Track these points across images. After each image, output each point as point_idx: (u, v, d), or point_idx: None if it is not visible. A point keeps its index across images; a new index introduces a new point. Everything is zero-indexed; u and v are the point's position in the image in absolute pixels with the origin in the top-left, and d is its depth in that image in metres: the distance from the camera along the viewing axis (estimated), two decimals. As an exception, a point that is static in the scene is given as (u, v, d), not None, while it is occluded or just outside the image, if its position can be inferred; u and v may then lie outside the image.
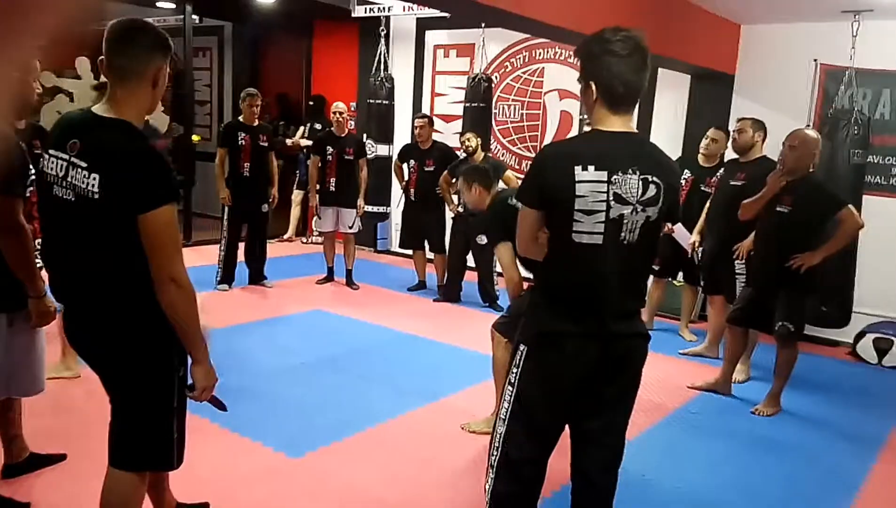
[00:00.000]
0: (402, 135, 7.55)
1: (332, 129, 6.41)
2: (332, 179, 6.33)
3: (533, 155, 7.10)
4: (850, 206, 3.77)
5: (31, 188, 2.44)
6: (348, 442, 3.37)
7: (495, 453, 2.12)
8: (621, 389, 2.09)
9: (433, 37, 7.68)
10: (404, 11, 7.11)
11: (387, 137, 7.23)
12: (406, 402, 3.88)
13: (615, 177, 1.85)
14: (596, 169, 1.84)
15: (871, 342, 5.16)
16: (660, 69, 6.24)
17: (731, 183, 4.61)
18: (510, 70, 7.16)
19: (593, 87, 1.91)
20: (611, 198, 1.85)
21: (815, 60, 5.44)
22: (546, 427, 2.08)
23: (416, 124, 6.41)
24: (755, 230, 4.16)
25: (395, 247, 8.15)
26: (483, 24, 6.49)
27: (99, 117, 1.87)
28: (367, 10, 7.26)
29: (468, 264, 6.27)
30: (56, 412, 3.34)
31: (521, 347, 2.05)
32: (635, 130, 2.00)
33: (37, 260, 2.39)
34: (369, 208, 6.71)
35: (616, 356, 2.00)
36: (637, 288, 2.05)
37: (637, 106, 2.04)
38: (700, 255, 4.99)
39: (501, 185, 5.33)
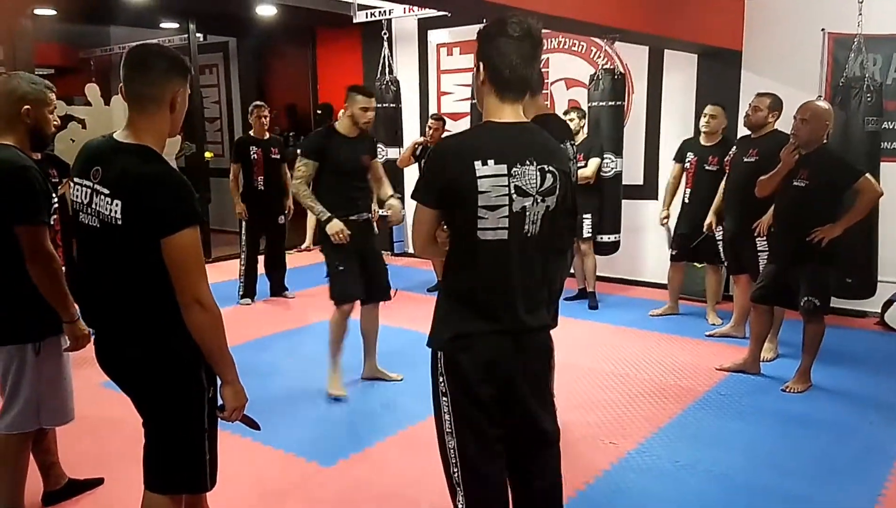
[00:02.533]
0: (411, 137, 7.57)
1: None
2: (346, 186, 6.34)
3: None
4: (868, 175, 3.72)
5: (55, 216, 2.48)
6: (380, 447, 3.39)
7: (455, 469, 1.99)
8: (535, 378, 2.01)
9: (436, 36, 7.69)
10: (405, 13, 7.13)
11: (396, 139, 7.25)
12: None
13: (515, 169, 1.81)
14: (496, 163, 1.80)
15: (899, 311, 5.09)
16: (666, 50, 6.24)
17: (745, 160, 4.57)
18: (515, 63, 7.13)
19: (482, 68, 1.88)
20: (512, 191, 1.82)
21: (823, 30, 5.37)
22: (489, 429, 1.96)
23: (429, 126, 6.42)
24: (773, 206, 4.12)
25: (412, 249, 8.18)
26: (484, 20, 6.47)
27: (119, 144, 1.90)
28: (368, 14, 7.29)
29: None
30: (93, 436, 3.39)
31: (440, 354, 1.95)
32: (526, 120, 1.95)
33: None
34: (383, 212, 6.71)
35: (528, 348, 1.96)
36: (542, 280, 2.00)
37: (526, 96, 1.93)
38: (720, 235, 4.96)
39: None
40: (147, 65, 1.90)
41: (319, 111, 8.60)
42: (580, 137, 5.68)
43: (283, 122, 9.24)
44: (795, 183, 3.86)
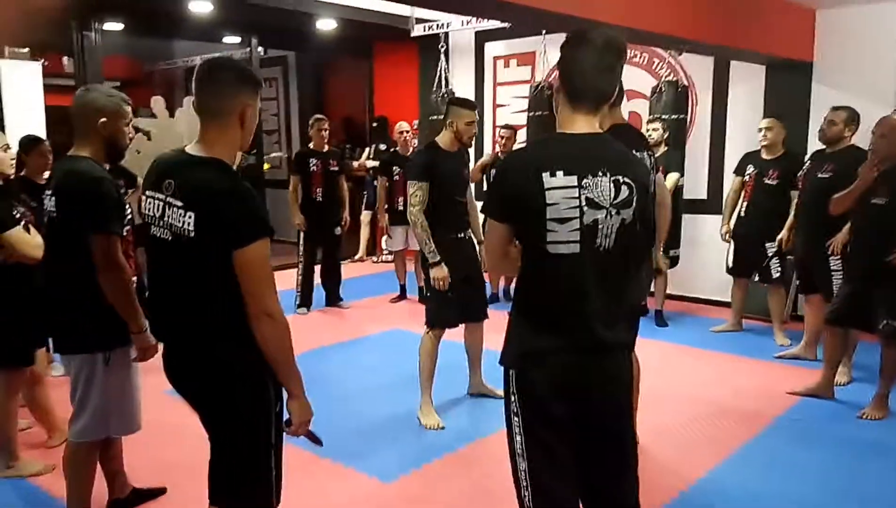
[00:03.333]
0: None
1: (398, 148, 6.44)
2: (401, 199, 6.35)
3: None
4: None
5: (128, 227, 2.51)
6: (438, 464, 3.34)
7: (525, 493, 1.92)
8: (612, 412, 1.92)
9: (492, 48, 7.67)
10: (462, 26, 7.12)
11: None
12: (495, 420, 3.80)
13: (586, 180, 1.74)
14: (565, 174, 1.73)
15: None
16: (732, 62, 6.08)
17: (820, 176, 4.39)
18: (573, 76, 7.05)
19: (558, 78, 1.83)
20: (583, 203, 1.74)
21: (900, 40, 5.16)
22: (562, 451, 1.89)
23: (501, 135, 6.42)
24: (850, 224, 3.94)
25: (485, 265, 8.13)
26: (544, 31, 6.42)
27: (191, 157, 1.91)
28: (426, 28, 7.31)
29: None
30: (156, 444, 3.42)
31: (511, 372, 1.89)
32: (600, 131, 1.87)
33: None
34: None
35: (605, 365, 1.88)
36: (620, 296, 1.91)
37: (601, 108, 1.84)
38: (791, 252, 4.81)
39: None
40: (216, 78, 1.91)
41: (375, 123, 8.66)
42: (661, 150, 5.55)
43: (340, 134, 9.33)
44: (874, 201, 3.68)
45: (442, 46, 7.19)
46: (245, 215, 1.83)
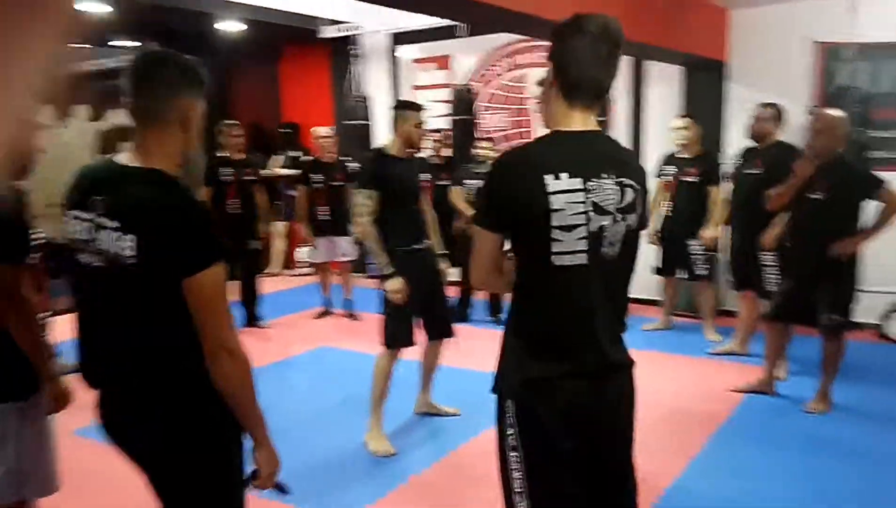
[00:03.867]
0: (385, 155, 7.30)
1: (318, 155, 6.12)
2: (324, 208, 6.04)
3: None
4: (888, 184, 3.59)
5: (37, 255, 2.14)
6: (393, 498, 3.09)
7: None
8: (617, 437, 1.80)
9: (407, 52, 7.46)
10: (377, 28, 6.89)
11: (368, 158, 6.99)
12: (447, 441, 3.61)
13: (590, 183, 1.58)
14: (570, 176, 1.57)
15: (900, 322, 5.03)
16: (647, 63, 6.12)
17: (750, 172, 4.45)
18: (493, 78, 6.96)
19: (551, 69, 1.66)
20: (590, 208, 1.58)
21: (811, 39, 5.32)
22: (570, 489, 1.71)
23: (435, 139, 6.20)
24: (789, 220, 3.98)
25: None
26: (464, 31, 6.28)
27: (125, 168, 1.60)
28: (338, 29, 7.02)
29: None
30: (74, 496, 2.99)
31: (509, 402, 1.70)
32: (598, 129, 1.72)
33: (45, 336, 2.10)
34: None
35: (613, 388, 1.74)
36: (622, 308, 1.78)
37: (601, 106, 1.73)
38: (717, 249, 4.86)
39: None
40: (154, 75, 1.61)
41: (286, 130, 8.27)
42: None
43: (247, 142, 8.84)
44: (812, 196, 3.72)
45: (354, 49, 6.93)
46: (196, 236, 1.56)
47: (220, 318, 1.59)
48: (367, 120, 6.94)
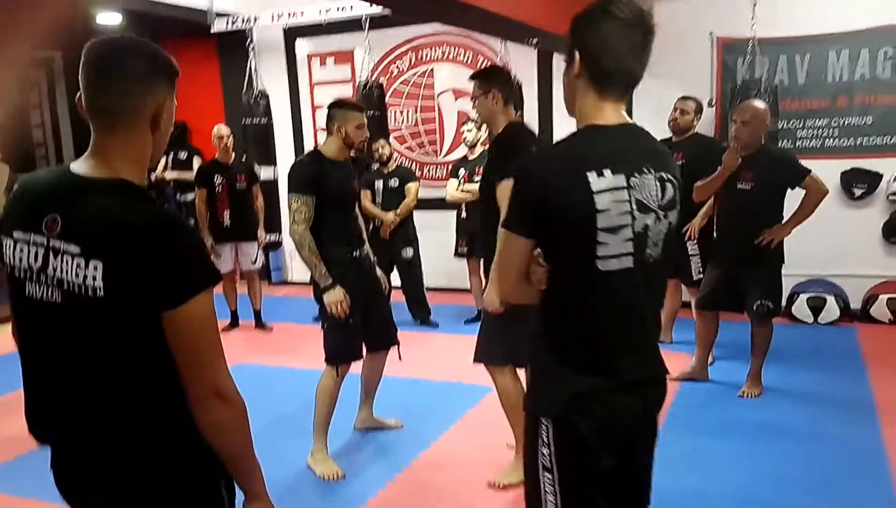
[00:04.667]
0: (285, 154, 6.95)
1: (217, 156, 5.70)
2: (226, 213, 5.64)
3: (434, 159, 6.82)
4: (813, 173, 3.74)
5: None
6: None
7: None
8: (648, 445, 1.71)
9: (305, 45, 7.12)
10: (273, 21, 6.53)
11: (269, 158, 6.63)
12: (397, 457, 3.40)
13: (633, 179, 1.48)
14: (613, 173, 1.46)
15: (804, 302, 5.30)
16: (556, 56, 6.14)
17: (671, 165, 4.51)
18: (397, 74, 6.77)
19: (577, 57, 1.52)
20: (634, 207, 1.48)
21: (712, 34, 5.51)
22: (605, 505, 1.62)
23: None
24: (716, 210, 4.06)
25: (291, 276, 7.55)
26: (367, 27, 6.05)
27: (85, 180, 1.31)
28: (230, 22, 6.59)
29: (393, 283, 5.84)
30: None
31: (546, 420, 1.57)
32: (631, 121, 1.61)
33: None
34: (268, 238, 6.11)
35: (652, 401, 1.66)
36: (659, 313, 1.71)
37: (628, 94, 1.59)
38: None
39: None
40: (119, 65, 1.32)
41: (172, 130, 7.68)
42: (478, 150, 5.46)
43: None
44: (740, 186, 3.80)
45: (250, 44, 6.54)
46: (179, 258, 1.28)
47: (211, 357, 1.33)
48: (268, 118, 6.57)
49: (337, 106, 3.29)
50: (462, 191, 5.49)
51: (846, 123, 5.40)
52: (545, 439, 1.57)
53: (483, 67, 3.07)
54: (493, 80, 2.97)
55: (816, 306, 5.28)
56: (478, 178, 5.32)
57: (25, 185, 1.37)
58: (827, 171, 4.30)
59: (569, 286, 1.53)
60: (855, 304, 5.37)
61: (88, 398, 1.32)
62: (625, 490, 1.67)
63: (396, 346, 3.54)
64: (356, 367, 3.47)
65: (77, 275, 1.26)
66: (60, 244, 1.28)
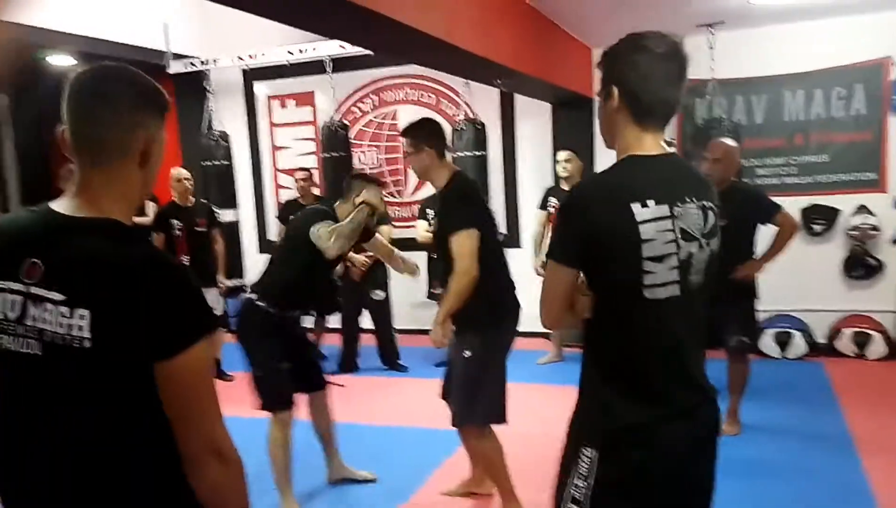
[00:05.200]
0: (244, 196, 6.81)
1: (175, 199, 5.52)
2: (184, 258, 5.43)
3: (399, 200, 6.76)
4: (784, 209, 3.78)
5: None
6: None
7: None
8: (707, 467, 1.66)
9: (264, 88, 7.04)
10: (232, 63, 6.43)
11: (230, 200, 6.47)
12: (375, 510, 3.24)
13: (677, 209, 1.51)
14: (657, 203, 1.48)
15: (771, 338, 5.35)
16: (517, 97, 6.19)
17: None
18: (360, 115, 6.72)
19: (615, 93, 1.54)
20: (679, 236, 1.50)
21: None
22: None
23: (298, 177, 5.85)
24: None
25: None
26: (330, 70, 6.00)
27: (68, 219, 1.20)
28: (188, 64, 6.47)
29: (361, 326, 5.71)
30: None
31: (589, 451, 1.55)
32: (672, 151, 1.66)
33: None
34: (229, 284, 5.91)
35: (703, 430, 1.62)
36: (703, 338, 1.68)
37: (666, 124, 1.63)
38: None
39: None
40: (107, 95, 1.22)
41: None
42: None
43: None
44: (714, 222, 3.82)
45: (209, 85, 6.42)
46: (175, 303, 1.17)
47: (208, 411, 1.21)
48: (228, 160, 6.43)
49: (362, 179, 3.35)
50: (431, 232, 5.41)
51: (803, 161, 5.54)
52: (583, 471, 1.54)
53: (410, 122, 3.10)
54: (421, 136, 2.99)
55: (783, 342, 5.33)
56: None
57: (0, 227, 1.24)
58: (787, 207, 4.36)
59: (615, 315, 1.55)
60: (820, 338, 5.45)
61: (68, 460, 1.19)
62: None
63: (328, 387, 3.49)
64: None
65: (61, 325, 1.14)
66: (41, 292, 1.15)
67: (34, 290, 1.15)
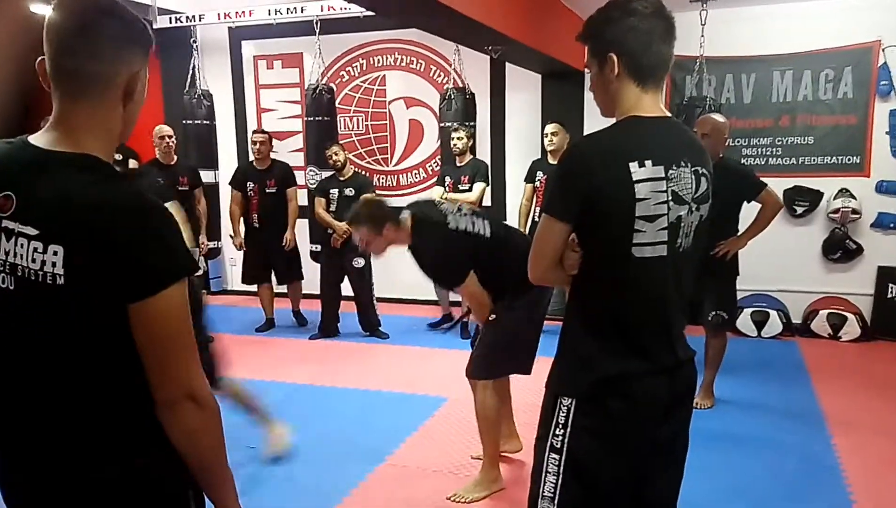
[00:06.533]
0: (227, 158, 6.73)
1: (158, 157, 5.45)
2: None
3: (385, 168, 6.71)
4: (769, 187, 3.80)
5: None
6: None
7: None
8: (680, 427, 1.72)
9: (251, 47, 6.93)
10: (219, 20, 6.31)
11: (211, 161, 6.38)
12: (349, 472, 3.25)
13: (671, 172, 1.53)
14: (653, 164, 1.51)
15: (748, 316, 5.40)
16: (508, 67, 6.14)
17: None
18: (347, 80, 6.64)
19: (614, 59, 1.54)
20: (670, 198, 1.53)
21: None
22: (615, 500, 1.65)
23: (254, 140, 5.68)
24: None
25: (231, 285, 7.28)
26: (318, 30, 5.91)
27: (46, 153, 1.16)
28: (175, 19, 6.34)
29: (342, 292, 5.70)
30: None
31: (567, 401, 1.59)
32: (669, 113, 1.66)
33: None
34: (210, 244, 5.87)
35: (681, 388, 1.67)
36: (686, 302, 1.73)
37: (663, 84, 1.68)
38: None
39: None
40: (92, 27, 1.18)
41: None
42: (467, 158, 5.40)
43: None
44: (697, 197, 3.83)
45: (194, 41, 6.31)
46: (152, 243, 1.14)
47: (183, 355, 1.19)
48: (210, 119, 6.34)
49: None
50: (446, 199, 5.39)
51: (789, 142, 5.57)
52: (562, 419, 1.59)
53: (355, 213, 3.11)
54: (378, 219, 2.95)
55: (760, 321, 5.39)
56: (463, 187, 5.28)
57: (-27, 156, 1.21)
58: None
59: (603, 272, 1.57)
60: (796, 318, 5.52)
61: (43, 399, 1.17)
62: (644, 487, 1.66)
63: None
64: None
65: (34, 260, 1.11)
66: (14, 226, 1.13)
67: (7, 224, 1.12)
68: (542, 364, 4.02)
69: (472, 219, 2.98)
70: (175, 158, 5.46)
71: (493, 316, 2.95)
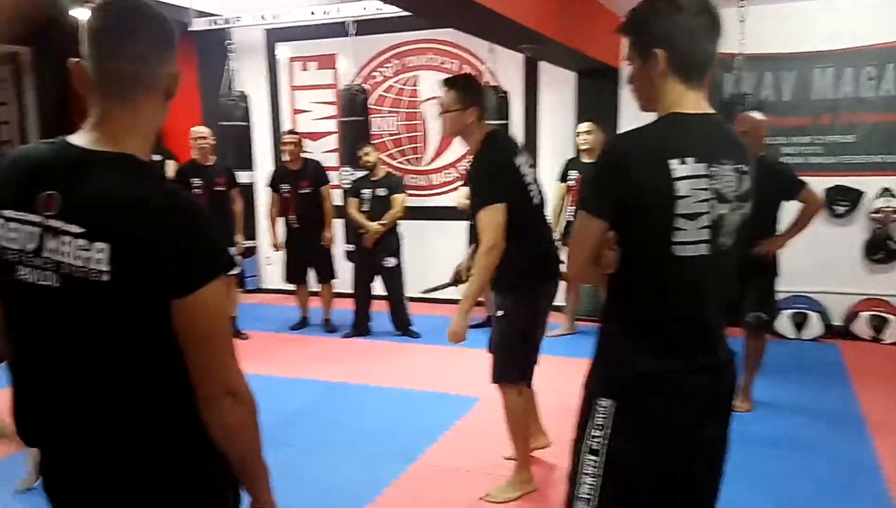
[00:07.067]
0: (262, 159, 6.82)
1: (195, 158, 5.53)
2: (203, 217, 5.45)
3: (417, 168, 6.72)
4: (809, 186, 3.72)
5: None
6: None
7: None
8: (720, 429, 1.69)
9: (286, 49, 7.00)
10: (255, 22, 6.39)
11: (247, 162, 6.47)
12: (383, 471, 3.27)
13: (713, 169, 1.50)
14: (695, 161, 1.48)
15: (788, 318, 5.30)
16: (541, 65, 6.11)
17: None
18: (381, 80, 6.67)
19: (659, 55, 1.51)
20: (712, 196, 1.50)
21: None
22: (653, 501, 1.62)
23: (284, 141, 5.75)
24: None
25: (266, 284, 7.37)
26: (353, 32, 5.95)
27: (88, 153, 1.19)
28: (211, 22, 6.43)
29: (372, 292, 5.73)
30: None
31: (605, 402, 1.58)
32: (713, 110, 1.62)
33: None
34: (246, 244, 5.94)
35: (721, 388, 1.65)
36: (727, 302, 1.69)
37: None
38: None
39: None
40: (136, 30, 1.22)
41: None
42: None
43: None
44: (736, 196, 3.77)
45: (230, 44, 6.39)
46: (193, 241, 1.17)
47: (223, 351, 1.22)
48: (246, 121, 6.43)
49: None
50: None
51: (829, 140, 5.45)
52: (599, 421, 1.57)
53: (455, 76, 2.96)
54: (470, 94, 2.83)
55: (799, 323, 5.29)
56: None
57: (17, 158, 1.25)
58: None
59: (642, 271, 1.54)
60: (836, 320, 5.40)
61: (87, 394, 1.20)
62: (684, 489, 1.63)
63: None
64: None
65: (79, 258, 1.14)
66: (59, 224, 1.15)
67: (52, 222, 1.15)
68: (571, 365, 4.01)
69: (533, 179, 2.91)
70: (212, 159, 5.53)
71: (501, 312, 2.92)
